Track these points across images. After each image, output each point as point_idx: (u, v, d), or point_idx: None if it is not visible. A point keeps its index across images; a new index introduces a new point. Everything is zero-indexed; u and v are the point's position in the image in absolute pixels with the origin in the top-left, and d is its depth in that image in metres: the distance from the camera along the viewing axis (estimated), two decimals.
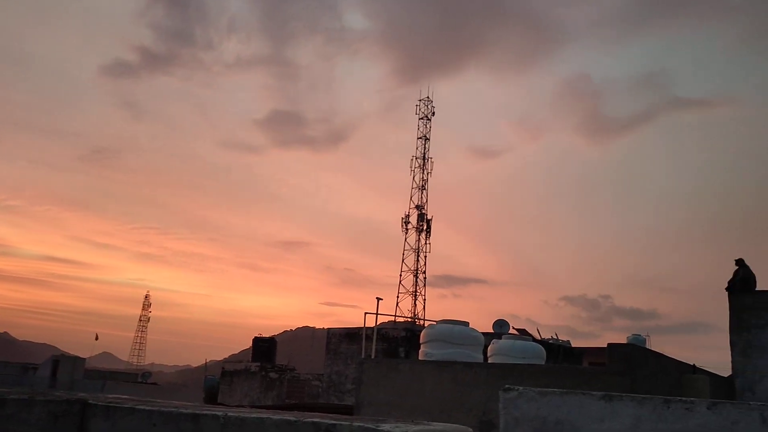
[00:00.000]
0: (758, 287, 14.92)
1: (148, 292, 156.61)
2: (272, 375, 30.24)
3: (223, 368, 33.25)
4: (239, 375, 31.10)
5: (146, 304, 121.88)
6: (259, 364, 31.30)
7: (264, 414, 2.52)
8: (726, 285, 15.25)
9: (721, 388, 13.56)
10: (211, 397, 30.77)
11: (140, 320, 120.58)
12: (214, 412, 2.61)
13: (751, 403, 3.50)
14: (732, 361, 14.45)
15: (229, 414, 2.56)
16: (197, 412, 2.64)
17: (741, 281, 15.10)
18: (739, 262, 15.38)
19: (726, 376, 14.47)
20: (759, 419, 3.37)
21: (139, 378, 50.27)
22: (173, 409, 2.72)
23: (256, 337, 34.73)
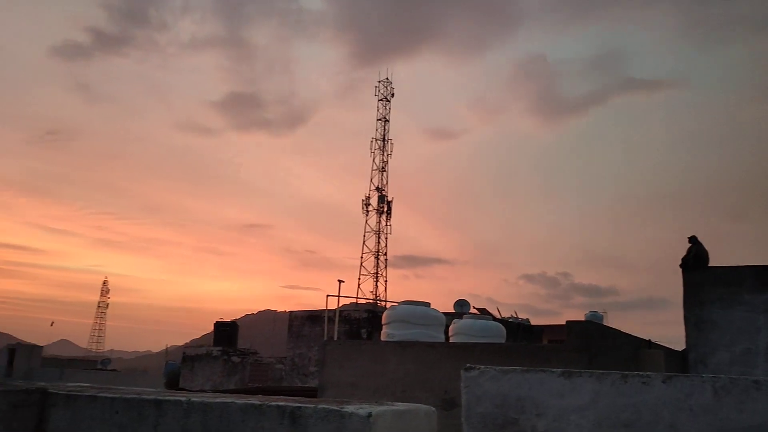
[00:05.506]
0: (710, 264, 15.36)
1: (106, 278, 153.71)
2: (234, 359, 30.08)
3: (184, 353, 32.93)
4: (201, 359, 30.86)
5: (104, 290, 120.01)
6: (220, 348, 31.09)
7: (228, 398, 2.51)
8: (680, 262, 15.67)
9: (675, 362, 13.99)
10: (173, 383, 30.48)
11: (99, 306, 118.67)
12: (177, 398, 2.58)
13: (703, 375, 3.62)
14: (686, 336, 14.90)
15: (193, 399, 2.54)
16: (160, 398, 2.61)
17: (694, 258, 15.52)
18: (692, 240, 15.79)
19: (680, 350, 14.93)
20: (711, 390, 3.49)
21: (98, 365, 49.47)
22: (135, 396, 2.69)
23: (217, 322, 34.47)
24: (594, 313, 23.04)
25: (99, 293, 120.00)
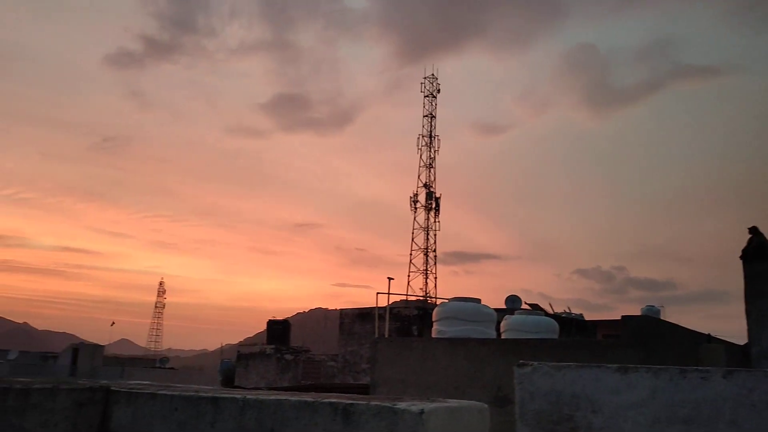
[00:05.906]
0: None
1: (162, 278, 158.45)
2: (287, 357, 30.48)
3: (238, 351, 33.54)
4: (255, 358, 31.38)
5: (161, 291, 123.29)
6: (274, 346, 31.55)
7: (282, 396, 2.55)
8: (740, 253, 15.17)
9: (736, 357, 13.56)
10: (228, 380, 31.08)
11: (156, 307, 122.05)
12: (233, 395, 2.64)
13: (766, 370, 3.51)
14: (747, 329, 14.42)
15: (248, 397, 2.59)
16: (217, 395, 2.68)
17: (755, 249, 15.01)
18: (753, 230, 15.27)
19: (742, 344, 14.47)
20: None
21: (157, 363, 50.85)
22: (193, 394, 2.76)
23: (270, 320, 34.96)
24: (650, 308, 22.48)
25: (156, 294, 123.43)
